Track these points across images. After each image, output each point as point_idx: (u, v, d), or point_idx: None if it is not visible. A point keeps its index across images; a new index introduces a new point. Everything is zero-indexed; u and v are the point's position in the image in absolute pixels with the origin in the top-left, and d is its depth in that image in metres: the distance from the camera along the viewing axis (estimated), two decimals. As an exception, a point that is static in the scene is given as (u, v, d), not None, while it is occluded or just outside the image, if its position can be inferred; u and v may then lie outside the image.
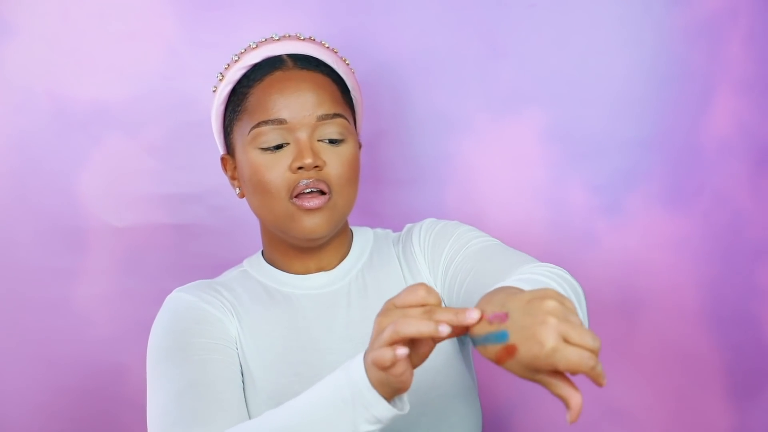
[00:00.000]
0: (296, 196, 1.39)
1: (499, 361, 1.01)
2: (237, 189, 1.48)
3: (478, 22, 1.89)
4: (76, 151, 1.88)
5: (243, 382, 1.40)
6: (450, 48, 1.89)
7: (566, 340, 0.98)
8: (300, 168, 1.38)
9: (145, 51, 1.88)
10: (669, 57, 1.88)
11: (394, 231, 1.55)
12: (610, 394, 1.89)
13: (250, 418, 1.36)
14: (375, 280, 1.46)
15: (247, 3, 1.88)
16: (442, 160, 1.89)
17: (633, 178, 1.88)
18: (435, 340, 1.08)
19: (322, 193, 1.39)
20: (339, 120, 1.42)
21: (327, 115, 1.41)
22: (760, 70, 1.87)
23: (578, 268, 1.89)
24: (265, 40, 1.48)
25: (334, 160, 1.40)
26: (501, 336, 1.00)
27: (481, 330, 1.02)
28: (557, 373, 1.00)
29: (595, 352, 0.97)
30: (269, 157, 1.40)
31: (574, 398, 0.99)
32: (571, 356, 0.97)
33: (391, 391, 1.09)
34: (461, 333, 1.05)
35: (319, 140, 1.41)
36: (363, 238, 1.51)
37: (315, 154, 1.39)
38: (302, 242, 1.43)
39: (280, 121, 1.40)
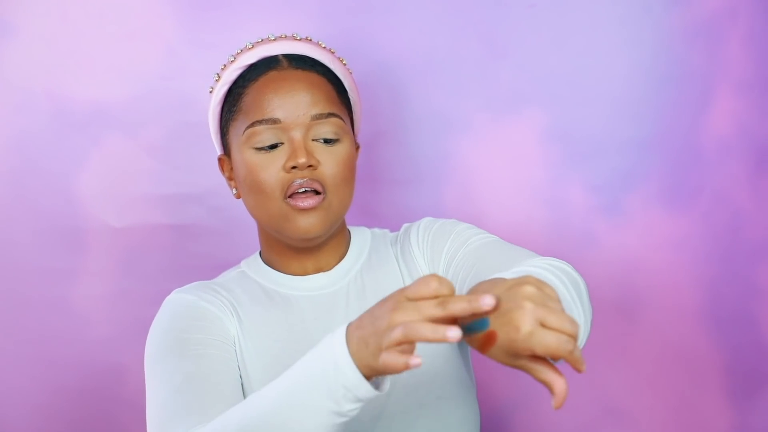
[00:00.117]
0: (290, 196, 1.39)
1: (482, 348, 1.02)
2: (233, 189, 1.49)
3: (478, 23, 1.89)
4: (75, 152, 1.88)
5: (241, 381, 1.40)
6: (449, 48, 1.89)
7: (544, 325, 0.98)
8: (294, 167, 1.38)
9: (144, 51, 1.88)
10: (668, 57, 1.88)
11: (392, 231, 1.55)
12: (609, 394, 1.89)
13: None
14: (373, 281, 1.46)
15: (246, 3, 1.88)
16: (441, 160, 1.89)
17: (632, 178, 1.88)
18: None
19: (317, 193, 1.40)
20: (333, 120, 1.42)
21: (321, 114, 1.41)
22: (760, 71, 1.87)
23: (577, 268, 1.88)
24: (262, 40, 1.48)
25: (329, 160, 1.40)
26: (482, 324, 1.01)
27: (465, 320, 1.03)
28: (540, 359, 1.01)
29: (573, 337, 0.98)
30: (264, 156, 1.40)
31: (558, 383, 1.00)
32: (548, 340, 0.97)
33: (372, 372, 1.07)
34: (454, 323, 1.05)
35: (313, 140, 1.41)
36: (361, 238, 1.51)
37: (309, 153, 1.39)
38: (298, 242, 1.43)
39: (274, 121, 1.40)
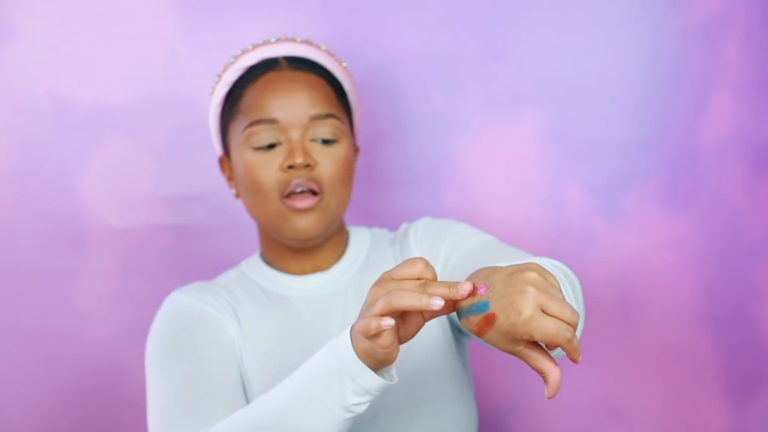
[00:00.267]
0: (287, 197, 1.40)
1: (480, 332, 1.02)
2: (233, 189, 1.49)
3: (477, 24, 1.89)
4: (77, 152, 1.88)
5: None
6: (448, 49, 1.89)
7: (544, 311, 0.98)
8: (291, 167, 1.39)
9: (146, 52, 1.88)
10: (667, 58, 1.88)
11: (392, 231, 1.56)
12: (607, 394, 1.90)
13: None
14: (370, 278, 1.46)
15: (247, 5, 1.89)
16: (440, 161, 1.90)
17: (631, 178, 1.89)
18: (426, 316, 1.08)
19: (314, 193, 1.40)
20: (332, 120, 1.42)
21: (320, 115, 1.42)
22: (758, 72, 1.88)
23: (576, 269, 1.88)
24: (262, 42, 1.49)
25: (326, 160, 1.41)
26: (482, 306, 1.02)
27: (464, 302, 1.04)
28: (537, 347, 1.01)
29: (572, 326, 0.98)
30: (262, 156, 1.41)
31: (553, 372, 1.00)
32: (547, 326, 0.97)
33: (376, 363, 1.09)
34: (453, 309, 1.06)
35: (311, 140, 1.41)
36: (360, 238, 1.52)
37: (306, 153, 1.39)
38: (295, 242, 1.44)
39: (273, 121, 1.41)
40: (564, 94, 1.88)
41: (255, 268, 1.50)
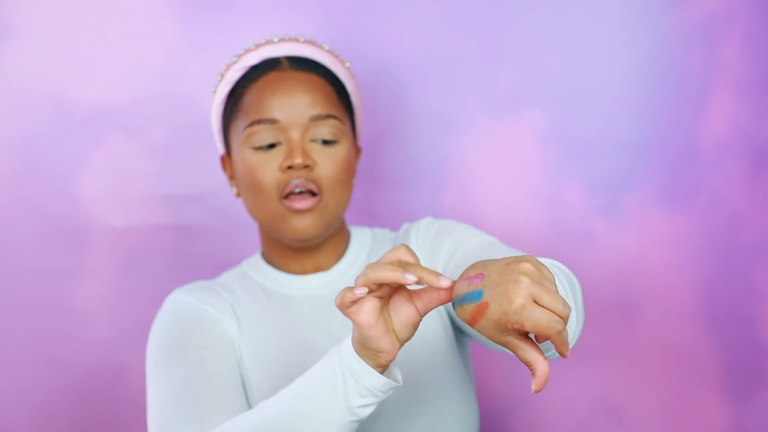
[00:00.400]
0: (286, 197, 1.40)
1: (473, 321, 1.03)
2: (234, 188, 1.49)
3: (477, 24, 1.89)
4: (77, 153, 1.88)
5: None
6: (449, 49, 1.89)
7: (537, 302, 0.99)
8: (290, 167, 1.39)
9: (146, 52, 1.88)
10: (666, 58, 1.88)
11: (393, 230, 1.56)
12: (607, 394, 1.90)
13: None
14: None
15: (247, 5, 1.89)
16: (441, 160, 1.90)
17: (630, 178, 1.89)
18: (420, 310, 1.09)
19: (313, 194, 1.40)
20: (332, 121, 1.42)
21: (320, 115, 1.42)
22: (757, 72, 1.88)
23: (576, 268, 1.90)
24: (265, 42, 1.49)
25: (326, 161, 1.41)
26: (476, 295, 1.02)
27: (459, 291, 1.04)
28: (527, 339, 1.01)
29: (563, 318, 0.98)
30: (262, 156, 1.41)
31: (541, 365, 1.00)
32: (538, 316, 0.97)
33: (377, 363, 1.10)
34: (448, 299, 1.07)
35: (311, 141, 1.41)
36: (361, 238, 1.52)
37: (305, 154, 1.39)
38: (295, 242, 1.44)
39: (273, 121, 1.41)
40: (564, 94, 1.89)
41: (256, 268, 1.51)
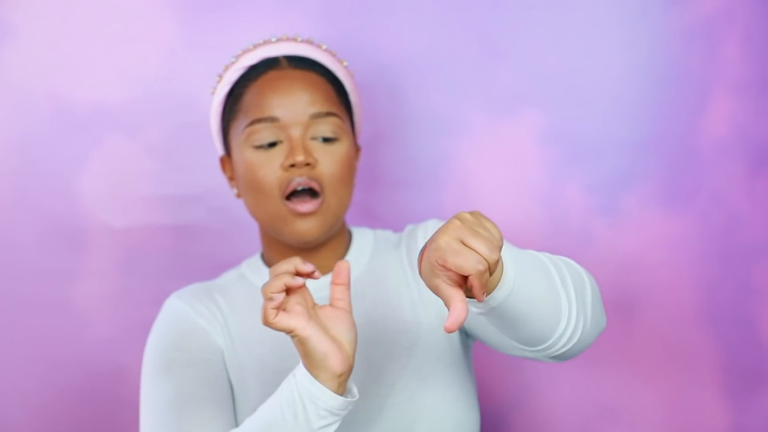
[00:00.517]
0: (288, 198, 1.40)
1: (419, 269, 1.06)
2: (235, 189, 1.49)
3: (476, 24, 1.89)
4: (76, 153, 1.88)
5: (234, 391, 1.41)
6: (448, 49, 1.89)
7: (464, 243, 1.00)
8: (292, 165, 1.39)
9: (145, 53, 1.88)
10: (666, 58, 1.88)
11: (394, 232, 1.56)
12: (606, 393, 1.90)
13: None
14: (372, 286, 1.46)
15: (247, 5, 1.89)
16: (440, 161, 1.90)
17: (630, 178, 1.89)
18: (336, 304, 1.21)
19: (314, 193, 1.40)
20: (332, 119, 1.42)
21: (320, 113, 1.42)
22: (757, 72, 1.88)
23: (575, 269, 1.89)
24: (263, 42, 1.49)
25: (327, 159, 1.41)
26: (423, 247, 1.07)
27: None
28: (455, 284, 1.02)
29: (489, 263, 1.00)
30: (262, 155, 1.41)
31: (458, 304, 1.01)
32: (460, 253, 0.99)
33: (328, 371, 1.16)
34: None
35: (312, 138, 1.41)
36: (362, 240, 1.51)
37: (307, 151, 1.39)
38: (296, 244, 1.43)
39: (273, 119, 1.41)
40: (563, 94, 1.89)
41: (255, 270, 1.50)
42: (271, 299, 1.14)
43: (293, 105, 1.41)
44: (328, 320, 1.20)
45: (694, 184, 1.89)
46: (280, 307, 1.16)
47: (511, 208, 1.90)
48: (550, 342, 1.15)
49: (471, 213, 1.04)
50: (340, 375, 1.17)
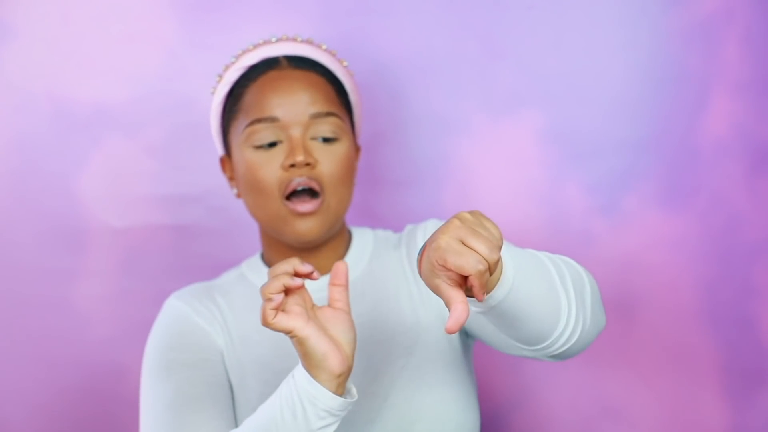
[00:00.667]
0: (288, 198, 1.40)
1: (419, 269, 1.06)
2: (234, 189, 1.49)
3: (476, 24, 1.89)
4: (76, 153, 1.88)
5: (234, 391, 1.41)
6: (448, 49, 1.89)
7: (464, 243, 1.00)
8: (292, 165, 1.39)
9: (145, 52, 1.88)
10: (665, 58, 1.88)
11: (394, 232, 1.56)
12: (606, 393, 1.90)
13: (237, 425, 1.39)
14: (372, 286, 1.46)
15: (247, 5, 1.89)
16: (440, 161, 1.90)
17: (630, 178, 1.89)
18: (335, 304, 1.22)
19: (314, 193, 1.40)
20: (332, 119, 1.42)
21: (320, 113, 1.41)
22: (757, 72, 1.88)
23: (575, 269, 1.89)
24: (263, 42, 1.49)
25: (327, 159, 1.41)
26: (423, 246, 1.07)
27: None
28: (455, 285, 1.02)
29: (489, 263, 1.00)
30: (263, 155, 1.41)
31: (459, 305, 1.01)
32: (460, 253, 0.99)
33: (327, 372, 1.17)
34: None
35: (312, 138, 1.41)
36: (362, 240, 1.51)
37: (307, 151, 1.39)
38: (296, 243, 1.43)
39: (273, 119, 1.40)
40: (563, 94, 1.89)
41: (255, 270, 1.50)
42: (270, 300, 1.14)
43: (293, 105, 1.41)
44: (327, 321, 1.20)
45: (694, 184, 1.89)
46: (279, 308, 1.16)
47: (511, 208, 1.90)
48: (550, 341, 1.15)
49: (471, 213, 1.04)
50: (339, 375, 1.17)
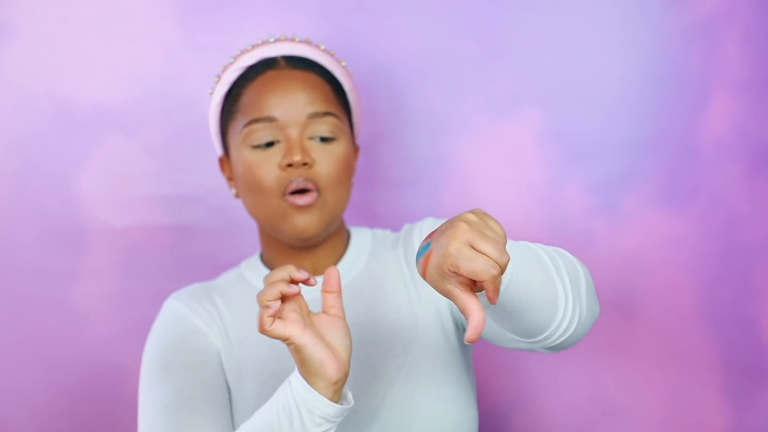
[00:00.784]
0: (287, 193, 1.40)
1: (423, 272, 1.05)
2: (233, 189, 1.49)
3: (476, 24, 1.89)
4: (76, 152, 1.89)
5: (231, 392, 1.41)
6: (447, 49, 1.89)
7: (474, 247, 1.00)
8: (289, 165, 1.39)
9: (145, 52, 1.89)
10: (665, 58, 1.88)
11: (393, 231, 1.56)
12: (606, 393, 1.90)
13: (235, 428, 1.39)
14: (370, 286, 1.46)
15: (246, 5, 1.89)
16: (439, 161, 1.90)
17: (630, 178, 1.89)
18: (330, 311, 1.22)
19: (311, 191, 1.40)
20: (330, 119, 1.42)
21: (318, 113, 1.42)
22: (757, 72, 1.88)
23: (575, 269, 1.89)
24: (261, 42, 1.49)
25: (324, 158, 1.41)
26: (426, 247, 1.06)
27: (418, 249, 1.09)
28: (467, 289, 1.02)
29: (500, 265, 1.00)
30: (260, 154, 1.41)
31: (477, 314, 1.01)
32: (472, 259, 0.99)
33: (324, 379, 1.17)
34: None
35: (310, 138, 1.41)
36: (360, 239, 1.51)
37: (304, 151, 1.39)
38: (295, 241, 1.43)
39: (271, 119, 1.41)
40: (563, 94, 1.89)
41: (254, 270, 1.50)
42: (267, 307, 1.15)
43: (291, 105, 1.41)
44: (323, 327, 1.21)
45: (694, 184, 1.89)
46: (276, 315, 1.16)
47: (510, 208, 1.90)
48: (548, 332, 1.16)
49: (474, 212, 1.04)
50: (336, 382, 1.18)
